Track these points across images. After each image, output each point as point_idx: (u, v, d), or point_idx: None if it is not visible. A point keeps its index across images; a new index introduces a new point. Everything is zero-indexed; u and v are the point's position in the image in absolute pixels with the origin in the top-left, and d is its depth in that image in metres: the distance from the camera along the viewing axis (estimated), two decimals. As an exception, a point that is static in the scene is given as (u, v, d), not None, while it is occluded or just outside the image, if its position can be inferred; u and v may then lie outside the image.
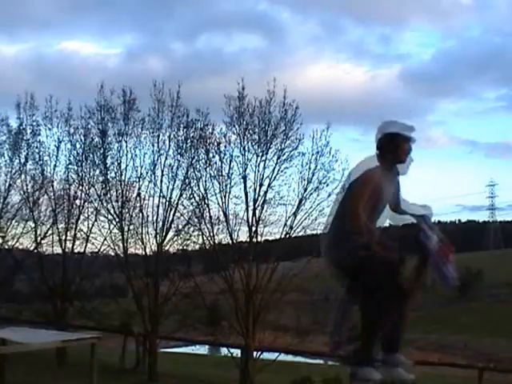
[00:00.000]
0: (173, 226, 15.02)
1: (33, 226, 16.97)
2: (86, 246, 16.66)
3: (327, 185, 14.00)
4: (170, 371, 15.49)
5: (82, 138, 16.21)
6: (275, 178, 13.96)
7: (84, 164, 16.13)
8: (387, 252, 3.69)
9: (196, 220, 14.73)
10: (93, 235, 16.32)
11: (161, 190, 14.90)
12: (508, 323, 38.07)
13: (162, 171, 14.89)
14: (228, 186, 14.11)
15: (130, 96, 15.22)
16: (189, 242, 15.36)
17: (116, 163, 15.31)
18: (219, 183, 14.16)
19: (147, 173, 15.08)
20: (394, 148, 3.98)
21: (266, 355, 14.91)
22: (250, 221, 13.96)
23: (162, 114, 14.94)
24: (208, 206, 14.38)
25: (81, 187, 16.33)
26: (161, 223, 14.95)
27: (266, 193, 13.96)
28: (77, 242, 16.61)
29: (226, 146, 14.32)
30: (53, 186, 16.83)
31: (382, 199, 3.88)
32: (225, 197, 14.08)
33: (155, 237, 15.03)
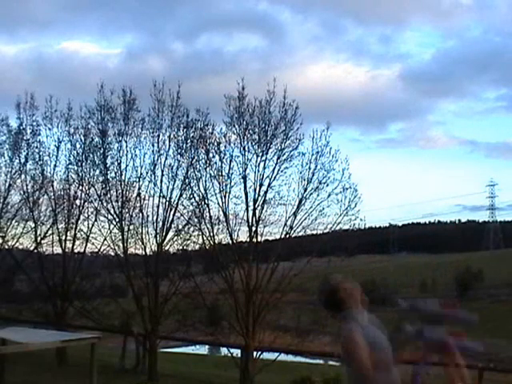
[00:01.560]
0: (173, 226, 15.02)
1: (33, 226, 16.99)
2: (86, 245, 16.71)
3: (327, 185, 13.97)
4: (170, 371, 15.49)
5: (82, 138, 16.24)
6: (275, 178, 13.94)
7: (84, 164, 16.15)
8: None
9: (196, 220, 14.70)
10: (93, 235, 16.35)
11: (161, 190, 14.90)
12: (508, 323, 38.07)
13: (162, 171, 14.89)
14: (228, 186, 14.08)
15: (130, 96, 15.22)
16: (189, 241, 15.34)
17: (116, 163, 15.31)
18: (219, 183, 14.14)
19: (147, 173, 15.07)
20: (335, 298, 3.84)
21: (266, 355, 14.89)
22: (250, 221, 13.93)
23: (161, 114, 14.92)
24: (208, 205, 14.35)
25: (81, 187, 16.34)
26: (161, 223, 14.95)
27: (266, 193, 13.94)
28: (77, 242, 16.66)
29: (226, 146, 14.28)
30: (53, 185, 16.86)
31: (373, 340, 3.74)
32: (225, 197, 14.05)
33: (155, 237, 15.02)
